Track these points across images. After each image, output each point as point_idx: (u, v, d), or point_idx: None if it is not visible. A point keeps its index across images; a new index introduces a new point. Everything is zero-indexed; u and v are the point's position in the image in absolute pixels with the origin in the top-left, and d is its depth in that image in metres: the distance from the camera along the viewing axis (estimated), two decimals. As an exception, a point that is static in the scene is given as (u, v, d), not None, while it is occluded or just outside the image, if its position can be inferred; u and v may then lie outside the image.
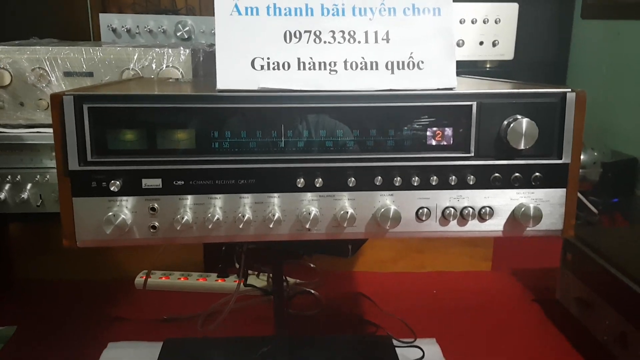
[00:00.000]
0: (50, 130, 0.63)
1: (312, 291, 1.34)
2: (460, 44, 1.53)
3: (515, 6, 1.56)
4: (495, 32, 1.55)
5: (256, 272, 1.24)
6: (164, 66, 1.15)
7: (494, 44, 1.55)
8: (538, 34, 2.24)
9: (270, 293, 1.07)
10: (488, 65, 1.62)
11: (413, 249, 1.53)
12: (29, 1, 1.72)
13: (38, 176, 1.12)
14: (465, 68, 1.54)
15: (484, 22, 1.53)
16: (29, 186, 1.12)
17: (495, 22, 1.54)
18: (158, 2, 2.07)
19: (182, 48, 1.16)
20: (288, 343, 1.01)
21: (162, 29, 1.67)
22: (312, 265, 1.44)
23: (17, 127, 1.13)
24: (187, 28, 1.67)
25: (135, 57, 1.14)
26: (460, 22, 1.53)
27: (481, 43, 1.55)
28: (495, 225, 0.69)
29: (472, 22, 1.53)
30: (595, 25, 2.23)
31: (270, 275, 1.08)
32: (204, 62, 1.21)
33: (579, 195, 1.61)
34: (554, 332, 1.24)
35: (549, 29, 2.30)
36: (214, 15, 0.67)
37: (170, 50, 1.16)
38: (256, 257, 1.12)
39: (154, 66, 1.15)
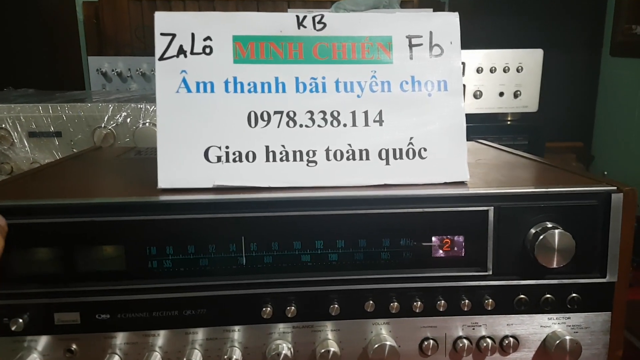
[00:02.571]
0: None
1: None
2: (477, 95, 1.37)
3: (539, 52, 1.39)
4: (517, 82, 1.37)
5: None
6: (141, 123, 1.02)
7: (515, 95, 1.37)
8: (565, 81, 2.07)
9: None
10: (509, 119, 1.44)
11: None
12: (19, 49, 1.59)
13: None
14: (483, 122, 1.38)
15: (505, 70, 1.36)
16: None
17: (517, 70, 1.37)
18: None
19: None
20: None
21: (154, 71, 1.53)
22: None
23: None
24: (182, 68, 1.53)
25: (109, 114, 1.01)
26: (478, 70, 1.35)
27: (501, 94, 1.37)
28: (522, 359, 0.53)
29: (491, 71, 1.36)
30: (625, 64, 2.10)
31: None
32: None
33: None
34: None
35: (575, 73, 2.13)
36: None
37: (147, 105, 1.02)
38: None
39: (129, 123, 1.02)
